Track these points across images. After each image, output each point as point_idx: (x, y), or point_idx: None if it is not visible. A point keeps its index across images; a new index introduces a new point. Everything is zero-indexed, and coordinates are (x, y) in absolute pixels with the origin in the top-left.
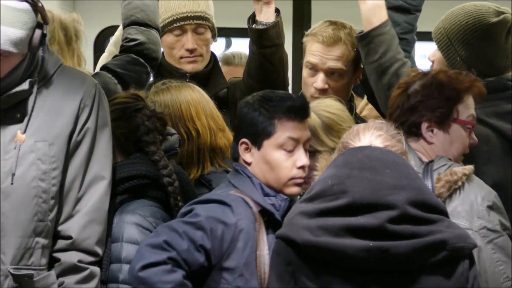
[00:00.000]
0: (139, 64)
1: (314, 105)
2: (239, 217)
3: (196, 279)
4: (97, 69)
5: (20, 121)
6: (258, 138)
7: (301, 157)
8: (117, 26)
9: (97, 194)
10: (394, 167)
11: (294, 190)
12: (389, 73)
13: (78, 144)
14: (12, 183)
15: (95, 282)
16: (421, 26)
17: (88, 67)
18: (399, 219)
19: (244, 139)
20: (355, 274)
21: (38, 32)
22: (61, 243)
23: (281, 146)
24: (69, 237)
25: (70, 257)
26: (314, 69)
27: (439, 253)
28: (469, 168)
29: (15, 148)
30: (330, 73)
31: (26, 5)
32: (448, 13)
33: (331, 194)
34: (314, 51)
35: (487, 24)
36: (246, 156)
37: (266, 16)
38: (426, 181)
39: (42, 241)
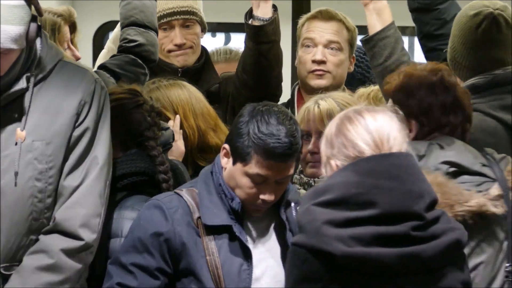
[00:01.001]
0: (137, 65)
1: (336, 96)
2: (176, 224)
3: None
4: (96, 65)
5: (18, 118)
6: (235, 155)
7: (267, 194)
8: (115, 21)
9: (90, 179)
10: (413, 172)
11: (253, 213)
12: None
13: (77, 140)
14: (16, 182)
15: (60, 276)
16: None
17: (87, 62)
18: (421, 226)
19: (226, 145)
20: (388, 279)
21: (33, 25)
22: (47, 227)
23: (250, 176)
24: (54, 219)
25: (50, 240)
26: (313, 44)
27: (456, 250)
28: None
29: (16, 144)
30: (328, 46)
31: (21, 1)
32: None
33: (356, 203)
34: (311, 28)
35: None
36: (223, 161)
37: (263, 12)
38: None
39: (36, 237)
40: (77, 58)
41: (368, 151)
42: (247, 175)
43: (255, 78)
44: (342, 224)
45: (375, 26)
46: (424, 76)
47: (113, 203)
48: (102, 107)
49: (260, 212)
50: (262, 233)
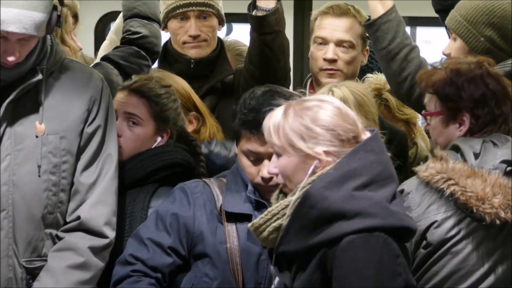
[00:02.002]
0: (141, 57)
1: (349, 84)
2: (197, 208)
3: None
4: (98, 57)
5: (31, 112)
6: (235, 138)
7: (264, 170)
8: (117, 12)
9: (107, 178)
10: None
11: (268, 195)
12: (399, 59)
13: (90, 136)
14: (39, 175)
15: (89, 274)
16: (422, 12)
17: (89, 52)
18: None
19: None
20: None
21: (54, 14)
22: (69, 225)
23: (245, 154)
24: (78, 218)
25: (77, 238)
26: (324, 42)
27: None
28: None
29: (36, 137)
30: (339, 44)
31: None
32: (460, 3)
33: (383, 179)
34: (323, 25)
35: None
36: (234, 148)
37: (266, 2)
38: None
39: (53, 232)
40: (79, 49)
41: (360, 130)
42: (243, 153)
43: (261, 69)
44: (390, 201)
45: (377, 10)
46: (471, 69)
47: (149, 193)
48: (109, 105)
49: (271, 194)
50: None
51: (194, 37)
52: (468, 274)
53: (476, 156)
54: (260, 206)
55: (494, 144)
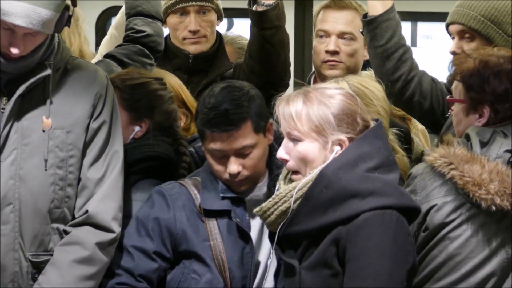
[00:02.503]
0: (144, 55)
1: (350, 77)
2: (177, 210)
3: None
4: (99, 51)
5: (37, 106)
6: (200, 136)
7: (230, 167)
8: (118, 7)
9: (114, 173)
10: None
11: (236, 188)
12: (394, 58)
13: (95, 132)
14: (46, 169)
15: (94, 269)
16: (423, 7)
17: (90, 47)
18: None
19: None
20: None
21: (66, 14)
22: (77, 219)
23: (210, 153)
24: (85, 212)
25: (84, 232)
26: (326, 35)
27: None
28: None
29: (44, 132)
30: (341, 36)
31: None
32: (479, 1)
33: (389, 164)
34: (325, 18)
35: None
36: (203, 148)
37: None
38: None
39: (60, 226)
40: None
41: (369, 118)
42: (208, 152)
43: (261, 64)
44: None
45: (376, 7)
46: (500, 63)
47: (128, 185)
48: (113, 102)
49: (242, 188)
50: None
51: (194, 32)
52: (467, 260)
53: (484, 144)
54: (237, 201)
55: (505, 134)
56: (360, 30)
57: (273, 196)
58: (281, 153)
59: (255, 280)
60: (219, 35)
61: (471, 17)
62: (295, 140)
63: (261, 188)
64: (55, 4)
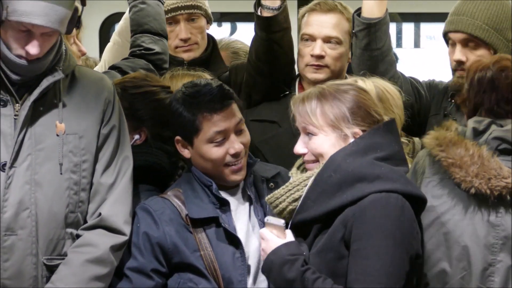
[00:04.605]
0: (150, 71)
1: (377, 80)
2: (165, 224)
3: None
4: (103, 58)
5: (49, 111)
6: (188, 136)
7: (233, 145)
8: (122, 13)
9: (125, 178)
10: None
11: (234, 178)
12: (387, 61)
13: (106, 137)
14: (61, 173)
15: (105, 270)
16: (426, 8)
17: (93, 54)
18: None
19: (177, 137)
20: None
21: (75, 15)
22: (89, 222)
23: (210, 140)
24: (99, 215)
25: (96, 234)
26: (311, 38)
27: None
28: None
29: (57, 136)
30: (327, 40)
31: None
32: (469, 8)
33: (398, 158)
34: (310, 22)
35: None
36: (185, 153)
37: (271, 1)
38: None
39: (74, 231)
40: (83, 53)
41: (383, 113)
42: (208, 141)
43: (270, 65)
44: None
45: (372, 9)
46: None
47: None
48: (120, 107)
49: (240, 174)
50: (246, 216)
51: (185, 40)
52: (455, 243)
53: (479, 133)
54: (223, 205)
55: (500, 125)
56: (354, 31)
57: (287, 184)
58: (298, 148)
59: (248, 281)
60: (211, 39)
61: (476, 26)
62: (311, 134)
63: (237, 191)
64: (69, 2)
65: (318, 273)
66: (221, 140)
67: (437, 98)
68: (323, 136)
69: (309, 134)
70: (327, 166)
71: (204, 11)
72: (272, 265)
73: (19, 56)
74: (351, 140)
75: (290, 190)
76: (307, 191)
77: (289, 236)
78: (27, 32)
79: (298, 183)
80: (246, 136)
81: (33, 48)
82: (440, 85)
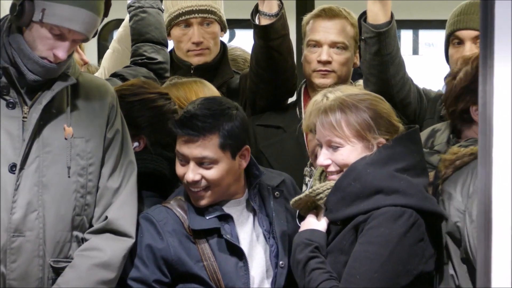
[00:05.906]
0: (151, 79)
1: (343, 88)
2: (168, 236)
3: None
4: (102, 65)
5: (57, 115)
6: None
7: (188, 173)
8: (121, 20)
9: (131, 182)
10: None
11: (194, 201)
12: (396, 63)
13: (110, 141)
14: (69, 176)
15: (112, 274)
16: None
17: (92, 61)
18: None
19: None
20: None
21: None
22: (96, 226)
23: (176, 154)
24: (105, 218)
25: (103, 239)
26: (318, 45)
27: None
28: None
29: (65, 139)
30: (333, 46)
31: None
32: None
33: (419, 168)
34: (315, 28)
35: None
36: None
37: (269, 7)
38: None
39: (79, 234)
40: (85, 62)
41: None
42: (176, 155)
43: (271, 72)
44: (425, 188)
45: (377, 15)
46: None
47: None
48: (121, 113)
49: (201, 203)
50: (250, 226)
51: (197, 44)
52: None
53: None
54: (224, 218)
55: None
56: (363, 37)
57: (310, 190)
58: (321, 160)
59: None
60: (223, 45)
61: None
62: (336, 146)
63: (240, 202)
64: (101, 11)
65: (328, 268)
66: (183, 163)
67: (431, 103)
68: (350, 147)
69: (334, 146)
70: (348, 173)
71: (219, 17)
72: (293, 245)
73: (42, 58)
74: (375, 150)
75: (313, 197)
76: (328, 195)
77: (320, 225)
78: (59, 36)
79: (322, 191)
80: (212, 173)
81: (61, 52)
82: (432, 93)
